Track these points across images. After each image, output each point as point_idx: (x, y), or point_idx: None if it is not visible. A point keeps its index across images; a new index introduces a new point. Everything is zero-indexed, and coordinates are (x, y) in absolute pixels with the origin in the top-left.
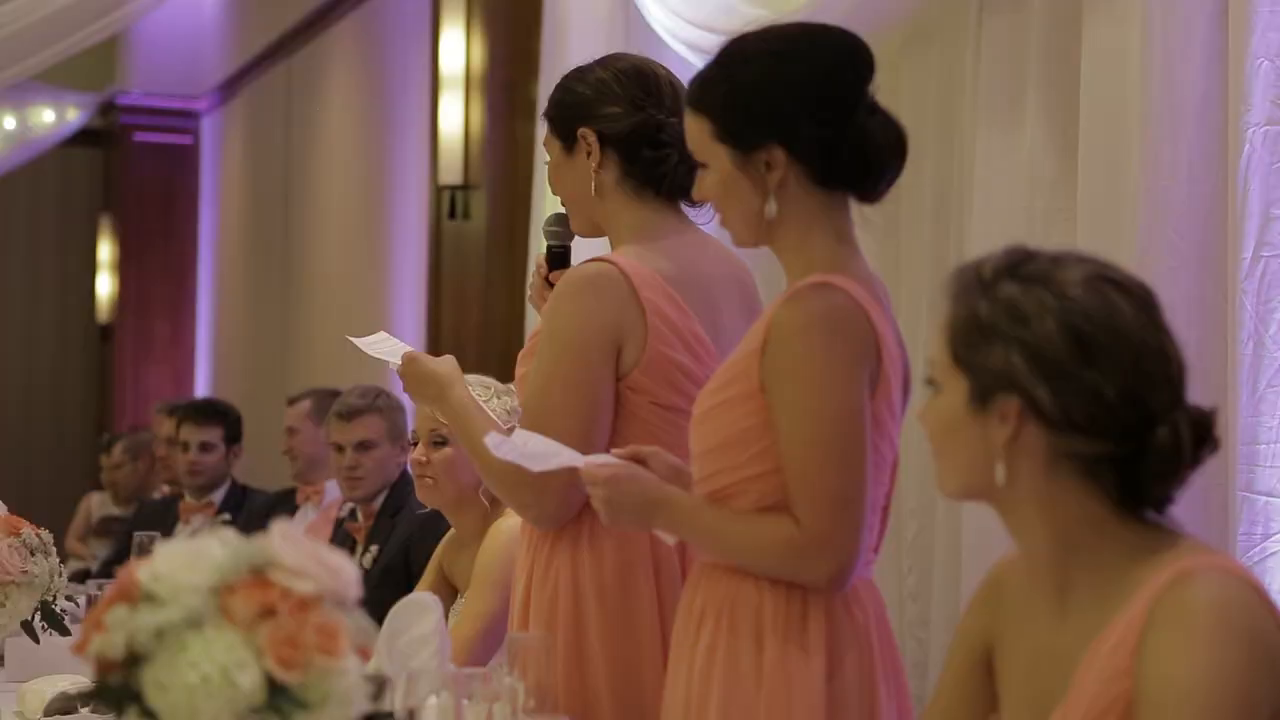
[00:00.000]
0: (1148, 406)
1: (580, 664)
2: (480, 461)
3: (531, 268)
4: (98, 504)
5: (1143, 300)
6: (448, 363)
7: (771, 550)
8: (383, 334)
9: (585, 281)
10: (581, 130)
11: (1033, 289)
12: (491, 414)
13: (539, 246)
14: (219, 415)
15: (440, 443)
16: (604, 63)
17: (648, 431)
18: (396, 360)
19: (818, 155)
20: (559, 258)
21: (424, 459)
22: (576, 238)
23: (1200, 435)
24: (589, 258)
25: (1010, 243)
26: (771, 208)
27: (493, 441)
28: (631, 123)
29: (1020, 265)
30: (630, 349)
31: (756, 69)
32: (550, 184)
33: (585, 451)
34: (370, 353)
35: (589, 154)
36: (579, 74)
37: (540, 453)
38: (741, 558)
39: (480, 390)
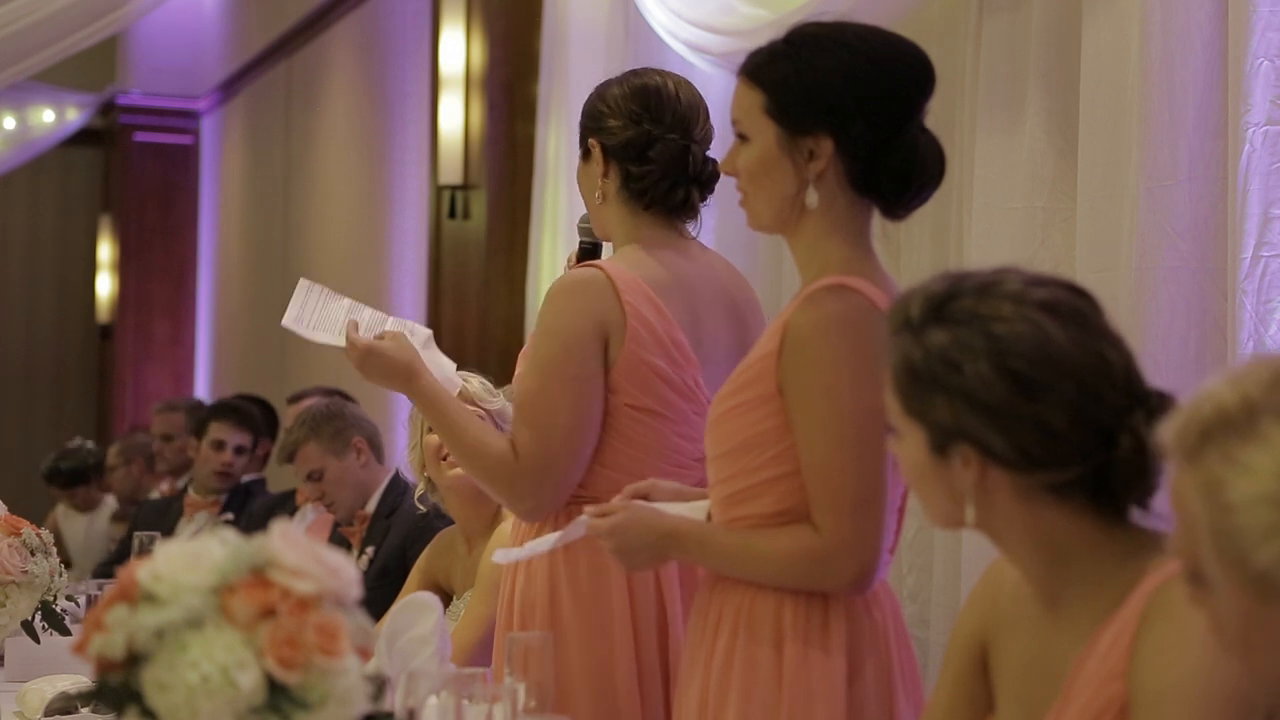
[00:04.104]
0: (1102, 422)
1: (557, 662)
2: (459, 448)
3: (532, 267)
4: (62, 515)
5: (1073, 312)
6: (405, 350)
7: (794, 562)
8: (305, 283)
9: (572, 284)
10: (591, 141)
11: (959, 331)
12: (485, 412)
13: (540, 245)
14: (251, 420)
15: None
16: (622, 78)
17: (617, 431)
18: (337, 337)
19: (864, 156)
20: (589, 253)
21: None
22: None
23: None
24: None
25: (941, 271)
26: (813, 197)
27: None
28: (625, 137)
29: (946, 303)
30: (612, 347)
31: (827, 56)
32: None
33: (579, 447)
34: (312, 338)
35: (598, 163)
36: (602, 87)
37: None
38: (763, 574)
39: (486, 395)
